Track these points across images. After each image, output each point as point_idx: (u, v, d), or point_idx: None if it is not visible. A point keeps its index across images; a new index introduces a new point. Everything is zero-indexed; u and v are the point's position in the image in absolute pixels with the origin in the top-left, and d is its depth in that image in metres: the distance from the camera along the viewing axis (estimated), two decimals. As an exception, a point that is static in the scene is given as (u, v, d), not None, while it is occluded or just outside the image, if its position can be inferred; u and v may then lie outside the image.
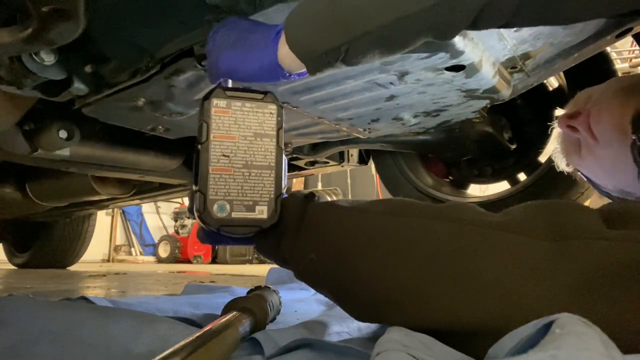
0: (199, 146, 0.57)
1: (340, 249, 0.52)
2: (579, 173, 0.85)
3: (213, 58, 0.62)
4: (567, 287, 0.41)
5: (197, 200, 0.55)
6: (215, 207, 0.55)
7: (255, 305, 0.59)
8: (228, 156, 0.57)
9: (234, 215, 0.55)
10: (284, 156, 0.61)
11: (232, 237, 0.58)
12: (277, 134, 0.60)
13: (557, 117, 0.83)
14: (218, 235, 0.58)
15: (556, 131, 0.89)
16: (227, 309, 0.58)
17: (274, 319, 0.66)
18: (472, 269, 0.45)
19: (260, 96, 0.60)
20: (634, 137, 0.64)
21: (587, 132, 0.74)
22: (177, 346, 0.34)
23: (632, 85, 0.71)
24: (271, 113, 0.60)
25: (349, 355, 0.43)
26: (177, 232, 7.37)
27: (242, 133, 0.59)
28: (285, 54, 0.57)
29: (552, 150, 0.92)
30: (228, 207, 0.55)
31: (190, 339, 0.36)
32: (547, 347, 0.27)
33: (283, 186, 0.60)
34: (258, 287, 0.69)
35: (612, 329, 0.34)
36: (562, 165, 0.89)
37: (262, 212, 0.56)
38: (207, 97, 0.59)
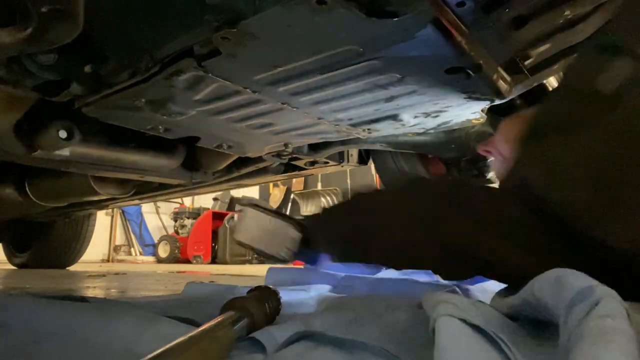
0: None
1: None
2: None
3: None
4: None
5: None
6: (283, 254, 0.88)
7: (252, 305, 0.59)
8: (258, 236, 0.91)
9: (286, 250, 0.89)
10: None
11: (311, 257, 0.93)
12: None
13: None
14: (312, 259, 0.94)
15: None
16: (224, 309, 0.58)
17: (273, 319, 0.66)
18: None
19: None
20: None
21: (497, 155, 1.04)
22: (168, 346, 0.33)
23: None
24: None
25: (348, 345, 0.43)
26: (176, 232, 7.37)
27: None
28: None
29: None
30: (285, 250, 0.87)
31: (183, 338, 0.36)
32: (596, 347, 0.32)
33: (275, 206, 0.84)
34: (258, 287, 0.69)
35: None
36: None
37: (294, 233, 0.87)
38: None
